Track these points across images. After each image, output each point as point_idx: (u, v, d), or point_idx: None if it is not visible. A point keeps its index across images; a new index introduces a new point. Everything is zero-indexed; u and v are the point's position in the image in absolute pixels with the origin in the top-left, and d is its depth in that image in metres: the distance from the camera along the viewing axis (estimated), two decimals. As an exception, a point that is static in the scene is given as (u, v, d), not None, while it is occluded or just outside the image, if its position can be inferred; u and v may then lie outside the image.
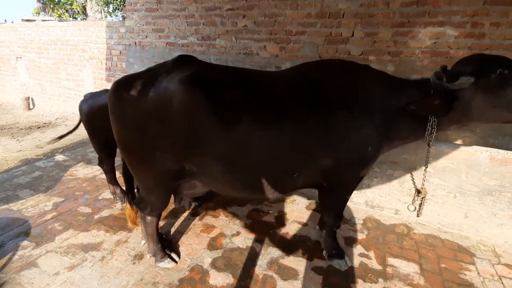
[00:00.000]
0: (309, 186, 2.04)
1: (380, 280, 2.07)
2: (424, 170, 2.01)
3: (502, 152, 2.32)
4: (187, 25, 4.22)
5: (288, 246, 2.38)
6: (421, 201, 2.06)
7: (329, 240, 2.21)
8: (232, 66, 1.96)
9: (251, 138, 1.61)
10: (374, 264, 2.22)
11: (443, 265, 2.24)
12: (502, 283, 2.07)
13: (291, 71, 1.94)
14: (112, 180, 2.82)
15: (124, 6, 4.94)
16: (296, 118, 1.66)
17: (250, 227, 2.60)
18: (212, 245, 2.35)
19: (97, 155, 2.81)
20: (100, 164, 2.79)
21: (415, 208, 2.09)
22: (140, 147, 1.68)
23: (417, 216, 2.08)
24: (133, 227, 2.30)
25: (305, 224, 2.69)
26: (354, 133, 1.71)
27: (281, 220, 2.73)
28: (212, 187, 1.90)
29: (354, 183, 1.97)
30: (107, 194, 3.03)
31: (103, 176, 3.02)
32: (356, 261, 2.24)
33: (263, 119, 1.62)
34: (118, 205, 2.85)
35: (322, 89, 1.75)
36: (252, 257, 2.24)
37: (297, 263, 2.19)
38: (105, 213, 2.72)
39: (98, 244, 2.28)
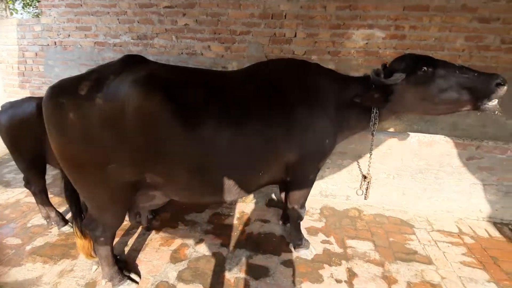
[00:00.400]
0: (272, 182, 2.06)
1: (343, 261, 2.21)
2: (369, 157, 2.22)
3: (427, 136, 2.71)
4: (119, 22, 3.85)
5: (255, 245, 2.36)
6: (367, 185, 2.29)
7: (294, 233, 2.28)
8: (185, 66, 1.85)
9: (218, 139, 1.56)
10: (335, 248, 2.37)
11: (391, 239, 2.51)
12: (437, 246, 2.43)
13: (247, 70, 1.93)
14: (44, 201, 2.39)
15: (38, 1, 4.25)
16: (261, 117, 1.67)
17: (213, 232, 2.51)
18: (175, 258, 2.19)
19: (19, 175, 2.35)
20: (27, 185, 2.34)
21: (363, 192, 2.30)
22: (89, 161, 1.44)
23: (365, 199, 2.29)
24: (89, 259, 1.94)
25: (267, 221, 2.71)
26: (314, 128, 1.80)
27: (243, 220, 2.71)
28: (176, 196, 1.77)
29: (315, 174, 2.06)
30: (37, 219, 2.57)
31: (29, 199, 2.55)
32: (320, 248, 2.36)
33: (229, 119, 1.58)
34: (54, 230, 2.44)
35: (281, 88, 1.79)
36: (220, 262, 2.16)
37: (266, 260, 2.20)
38: (38, 242, 2.29)
39: (37, 279, 1.91)
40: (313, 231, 2.58)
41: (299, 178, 2.00)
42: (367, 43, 3.23)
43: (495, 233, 2.66)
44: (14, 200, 2.89)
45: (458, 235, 2.61)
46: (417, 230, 2.66)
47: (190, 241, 2.38)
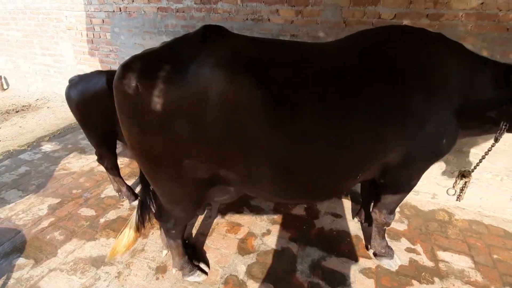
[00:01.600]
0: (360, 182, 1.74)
1: (436, 279, 1.87)
2: (483, 155, 1.74)
3: None
4: (182, -15, 3.57)
5: (327, 244, 2.12)
6: (464, 185, 1.86)
7: (378, 239, 1.96)
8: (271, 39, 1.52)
9: (315, 133, 1.26)
10: (424, 260, 2.01)
11: (495, 256, 2.06)
12: None
13: (350, 40, 1.53)
14: (116, 177, 2.43)
15: (102, -36, 4.15)
16: (369, 106, 1.30)
17: (280, 223, 2.32)
18: (243, 249, 2.06)
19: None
20: (100, 160, 2.37)
21: (455, 192, 1.89)
22: (164, 154, 1.25)
23: (457, 200, 1.90)
24: (113, 257, 1.86)
25: (339, 216, 2.43)
26: (434, 123, 1.38)
27: (312, 212, 2.46)
28: (254, 194, 1.56)
29: (419, 179, 1.67)
30: (110, 190, 2.65)
31: (102, 168, 2.62)
32: (405, 257, 2.03)
33: (330, 109, 1.26)
34: (126, 204, 2.49)
35: (395, 69, 1.37)
36: (291, 260, 1.98)
37: (342, 265, 1.95)
38: (111, 215, 2.36)
39: (110, 256, 1.96)
40: (394, 235, 2.23)
41: (399, 182, 1.63)
42: (482, 3, 2.46)
43: None
44: (89, 168, 3.04)
45: None
46: (528, 243, 2.14)
47: (257, 231, 2.23)
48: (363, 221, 2.29)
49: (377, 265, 1.96)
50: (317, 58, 1.37)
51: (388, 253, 1.96)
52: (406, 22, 2.75)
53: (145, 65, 1.15)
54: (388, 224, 1.89)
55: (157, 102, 1.12)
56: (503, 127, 1.43)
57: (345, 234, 2.24)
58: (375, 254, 2.00)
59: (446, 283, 1.84)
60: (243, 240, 2.14)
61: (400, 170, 1.52)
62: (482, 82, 1.45)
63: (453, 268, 1.95)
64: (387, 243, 1.99)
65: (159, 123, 1.16)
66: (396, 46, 1.44)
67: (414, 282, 1.85)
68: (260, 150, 1.25)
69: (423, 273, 1.91)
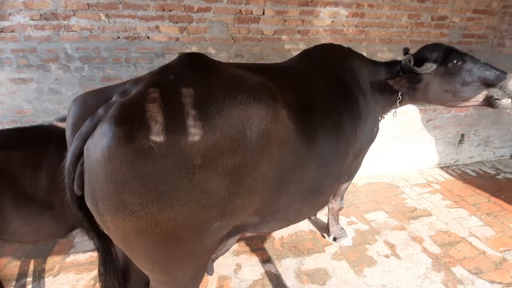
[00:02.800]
0: None
1: (377, 237, 2.36)
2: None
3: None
4: (4, -7, 2.56)
5: (294, 249, 2.23)
6: None
7: (334, 225, 2.27)
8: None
9: (330, 150, 1.33)
10: (362, 226, 2.51)
11: (393, 203, 2.84)
12: (424, 198, 2.89)
13: (304, 60, 1.66)
14: None
15: None
16: (349, 116, 1.48)
17: (243, 251, 2.21)
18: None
19: None
20: None
21: None
22: (189, 226, 0.89)
23: None
24: None
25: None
26: (370, 117, 1.73)
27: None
28: (266, 229, 1.40)
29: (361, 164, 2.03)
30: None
31: None
32: (351, 230, 2.43)
33: (332, 126, 1.35)
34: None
35: (343, 80, 1.62)
36: (276, 280, 1.95)
37: (317, 261, 2.14)
38: None
39: None
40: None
41: (352, 172, 1.92)
42: (333, 21, 3.26)
43: (446, 175, 3.38)
44: None
45: (429, 184, 3.18)
46: (403, 188, 3.09)
47: (227, 271, 2.02)
48: (311, 216, 2.53)
49: (339, 247, 2.24)
50: (299, 78, 1.43)
51: (343, 233, 2.29)
52: (284, 37, 3.19)
53: (148, 117, 0.78)
54: (341, 209, 2.19)
55: (181, 163, 0.80)
56: (398, 96, 1.91)
57: (302, 233, 2.41)
58: (334, 239, 2.29)
59: (384, 236, 2.36)
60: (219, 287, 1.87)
61: (354, 162, 1.81)
62: (379, 74, 1.89)
63: (380, 223, 2.53)
64: (340, 225, 2.31)
65: (187, 190, 0.83)
66: (338, 62, 1.70)
67: (367, 246, 2.27)
68: (294, 182, 1.18)
69: (367, 236, 2.35)
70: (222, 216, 0.97)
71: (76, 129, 0.88)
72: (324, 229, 2.41)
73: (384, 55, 3.44)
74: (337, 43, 3.32)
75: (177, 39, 3.03)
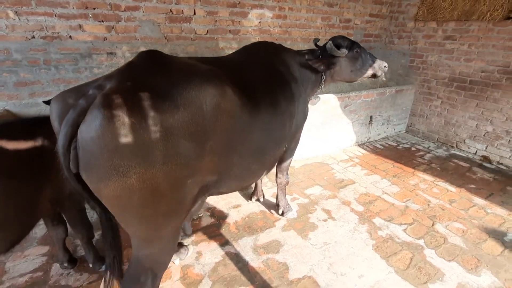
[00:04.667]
0: None
1: (316, 206, 2.77)
2: None
3: (326, 95, 3.58)
4: None
5: (248, 229, 2.45)
6: None
7: (283, 200, 2.60)
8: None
9: (269, 120, 1.65)
10: (303, 200, 2.87)
11: (325, 177, 3.31)
12: (348, 171, 3.48)
13: (243, 54, 1.98)
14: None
15: None
16: (282, 95, 1.82)
17: (202, 240, 2.33)
18: (191, 284, 1.93)
19: None
20: None
21: None
22: (169, 184, 1.13)
23: None
24: None
25: (239, 205, 2.78)
26: (301, 97, 2.09)
27: (218, 215, 2.63)
28: (224, 189, 1.65)
29: (299, 140, 2.38)
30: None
31: None
32: (295, 205, 2.78)
33: (270, 100, 1.68)
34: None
35: (277, 69, 1.95)
36: (237, 259, 2.14)
37: (269, 235, 2.39)
38: None
39: None
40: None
41: (292, 147, 2.29)
42: (260, 22, 3.57)
43: (362, 151, 4.09)
44: None
45: (350, 159, 3.81)
46: (332, 165, 3.63)
47: (190, 260, 2.11)
48: (259, 198, 2.80)
49: (286, 220, 2.56)
50: (240, 66, 1.71)
51: (290, 207, 2.63)
52: (217, 36, 3.36)
53: (127, 99, 1.01)
54: (287, 183, 2.55)
55: (157, 132, 1.03)
56: (322, 78, 2.32)
57: (254, 214, 2.65)
58: (282, 213, 2.60)
59: (321, 205, 2.78)
60: (184, 277, 1.97)
61: (293, 136, 2.14)
62: (303, 60, 2.24)
63: (317, 195, 2.96)
64: (287, 201, 2.64)
65: (164, 152, 1.07)
66: (271, 54, 2.03)
67: (309, 215, 2.64)
68: (243, 144, 1.48)
69: (308, 208, 2.74)
70: (193, 174, 1.22)
71: (61, 120, 1.06)
72: (273, 207, 2.70)
73: (305, 52, 3.93)
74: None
75: (105, 38, 2.90)
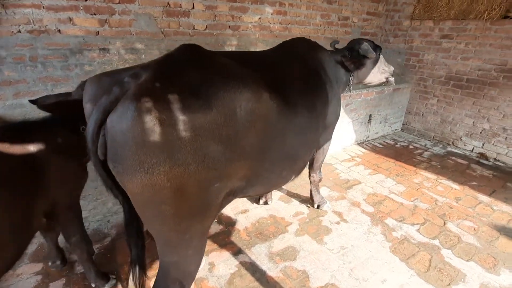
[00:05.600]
0: None
1: (326, 208, 2.68)
2: None
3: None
4: None
5: (260, 235, 2.33)
6: None
7: (317, 194, 2.66)
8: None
9: (303, 123, 1.56)
10: (333, 194, 2.78)
11: (331, 178, 3.24)
12: (352, 170, 3.43)
13: (278, 50, 1.92)
14: None
15: None
16: (315, 97, 1.74)
17: (213, 249, 2.17)
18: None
19: None
20: None
21: None
22: (195, 185, 1.08)
23: None
24: None
25: (247, 211, 2.65)
26: (334, 98, 2.02)
27: (226, 222, 2.48)
28: (252, 193, 1.57)
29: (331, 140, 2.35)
30: None
31: None
32: (305, 208, 2.69)
33: (304, 103, 1.58)
34: None
35: (313, 67, 1.89)
36: (253, 268, 2.01)
37: (283, 241, 2.28)
38: None
39: None
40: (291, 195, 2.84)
41: (325, 147, 2.29)
42: (260, 18, 3.44)
43: (363, 150, 4.06)
44: None
45: (352, 159, 3.77)
46: (335, 165, 3.57)
47: (205, 272, 1.96)
48: (267, 201, 2.68)
49: (298, 224, 2.46)
50: (276, 64, 1.62)
51: (324, 200, 2.68)
52: (216, 32, 3.20)
53: (161, 94, 0.97)
54: (321, 179, 2.59)
55: (186, 131, 0.99)
56: (350, 78, 2.32)
57: (264, 220, 2.52)
58: (318, 206, 2.65)
59: (331, 208, 2.70)
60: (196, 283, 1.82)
61: (323, 136, 2.10)
62: (338, 61, 2.24)
63: (325, 196, 2.87)
64: (321, 195, 2.70)
65: (192, 152, 1.02)
66: (308, 53, 1.96)
67: (320, 218, 2.56)
68: (276, 150, 1.40)
69: (319, 210, 2.66)
70: (221, 178, 1.16)
71: (93, 103, 1.01)
72: (280, 211, 2.60)
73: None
74: (264, 38, 3.57)
75: (97, 33, 2.67)
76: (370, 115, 4.18)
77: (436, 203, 2.82)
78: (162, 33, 2.96)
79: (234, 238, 2.29)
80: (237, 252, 2.15)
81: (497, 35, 3.36)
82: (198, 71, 1.10)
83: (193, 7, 3.01)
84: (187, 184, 1.05)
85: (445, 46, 3.91)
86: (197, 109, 1.00)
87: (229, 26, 3.28)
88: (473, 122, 3.84)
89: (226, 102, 1.08)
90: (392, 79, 2.60)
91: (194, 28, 3.09)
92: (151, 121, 0.92)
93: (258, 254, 2.13)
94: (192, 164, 1.02)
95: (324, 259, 2.10)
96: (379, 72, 2.44)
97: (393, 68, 2.60)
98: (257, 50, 3.54)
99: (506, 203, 2.84)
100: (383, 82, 2.60)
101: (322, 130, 1.93)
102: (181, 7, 2.95)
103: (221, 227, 2.41)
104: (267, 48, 3.57)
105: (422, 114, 4.45)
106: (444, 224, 2.52)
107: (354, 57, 2.21)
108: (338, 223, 2.50)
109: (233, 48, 3.36)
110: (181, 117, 0.97)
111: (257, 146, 1.26)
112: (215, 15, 3.15)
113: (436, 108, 4.24)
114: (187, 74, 1.07)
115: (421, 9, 4.03)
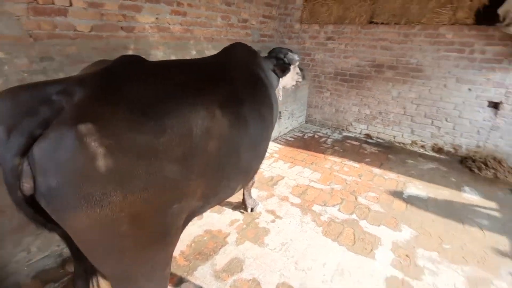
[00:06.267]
0: None
1: (259, 209, 2.71)
2: None
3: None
4: None
5: (201, 255, 2.14)
6: None
7: (249, 198, 2.66)
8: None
9: (254, 135, 1.49)
10: (262, 193, 2.75)
11: (256, 179, 3.29)
12: (273, 167, 3.59)
13: (220, 59, 1.76)
14: None
15: None
16: (267, 106, 1.72)
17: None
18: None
19: None
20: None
21: None
22: (151, 210, 0.98)
23: None
24: None
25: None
26: (275, 104, 2.01)
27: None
28: (205, 209, 1.46)
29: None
30: None
31: None
32: (238, 214, 2.63)
33: (256, 113, 1.53)
34: None
35: (256, 74, 1.84)
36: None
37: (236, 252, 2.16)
38: None
39: None
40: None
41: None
42: (157, 18, 3.14)
43: (278, 145, 4.32)
44: None
45: (271, 155, 3.95)
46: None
47: None
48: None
49: (236, 232, 2.39)
50: (226, 76, 1.49)
51: (255, 202, 2.69)
52: (105, 34, 2.74)
53: (104, 115, 0.85)
54: (254, 183, 2.64)
55: (138, 156, 0.89)
56: (278, 84, 2.43)
57: (200, 237, 2.33)
58: (251, 209, 2.63)
59: (263, 207, 2.74)
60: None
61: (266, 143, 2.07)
62: (272, 66, 2.32)
63: (255, 198, 2.89)
64: (253, 198, 2.71)
65: (146, 177, 0.91)
66: (251, 60, 1.92)
67: (256, 220, 2.55)
68: (231, 165, 1.33)
69: (252, 213, 2.65)
70: (180, 199, 1.07)
71: (8, 126, 0.81)
72: (214, 224, 2.47)
73: (210, 52, 3.76)
74: (165, 41, 3.30)
75: None
76: (280, 112, 4.46)
77: (346, 183, 3.25)
78: (31, 36, 2.31)
79: (171, 267, 2.01)
80: (178, 282, 1.90)
81: (366, 37, 4.13)
82: (144, 87, 0.99)
83: (71, 4, 2.46)
84: (144, 211, 0.95)
85: (330, 47, 4.55)
86: (149, 131, 0.91)
87: (122, 27, 2.86)
88: (358, 109, 4.63)
89: (181, 122, 1.00)
90: (301, 80, 2.88)
91: (75, 30, 2.54)
92: (96, 149, 0.80)
93: (203, 276, 1.95)
94: (148, 189, 0.92)
95: (269, 261, 2.10)
96: (295, 76, 2.73)
97: (304, 72, 2.90)
98: (159, 52, 3.23)
99: (392, 171, 3.54)
100: (295, 84, 2.86)
101: (270, 137, 1.94)
102: (53, 3, 2.36)
103: (152, 259, 2.09)
104: (169, 50, 3.33)
105: (320, 107, 5.07)
106: (356, 199, 2.93)
107: (280, 64, 2.36)
108: (273, 221, 2.55)
109: (130, 52, 2.95)
110: (131, 141, 0.86)
111: (214, 164, 1.20)
112: (102, 13, 2.68)
113: (330, 100, 4.90)
114: (132, 90, 0.95)
115: (307, 14, 4.54)
